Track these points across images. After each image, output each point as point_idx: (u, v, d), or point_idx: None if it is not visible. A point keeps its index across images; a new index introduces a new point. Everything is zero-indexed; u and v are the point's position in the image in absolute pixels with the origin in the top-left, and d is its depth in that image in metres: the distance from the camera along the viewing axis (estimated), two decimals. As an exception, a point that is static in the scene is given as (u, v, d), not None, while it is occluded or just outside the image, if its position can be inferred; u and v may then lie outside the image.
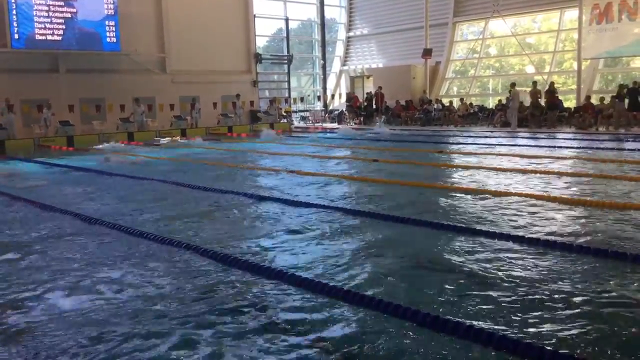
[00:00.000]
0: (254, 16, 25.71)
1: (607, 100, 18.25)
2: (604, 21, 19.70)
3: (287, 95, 27.79)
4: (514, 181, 8.74)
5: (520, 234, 5.48)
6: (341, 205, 7.21)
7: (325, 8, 29.55)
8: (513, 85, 19.59)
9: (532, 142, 15.02)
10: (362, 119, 24.87)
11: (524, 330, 3.42)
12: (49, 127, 18.79)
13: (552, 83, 19.91)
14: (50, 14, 19.42)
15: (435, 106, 23.17)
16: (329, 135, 20.49)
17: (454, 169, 10.60)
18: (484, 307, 3.81)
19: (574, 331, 3.41)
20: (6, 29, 18.54)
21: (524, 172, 9.61)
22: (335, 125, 25.07)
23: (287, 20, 27.91)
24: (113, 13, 20.64)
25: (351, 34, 30.21)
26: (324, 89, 29.76)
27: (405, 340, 3.35)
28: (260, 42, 27.21)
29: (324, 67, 29.83)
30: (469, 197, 7.61)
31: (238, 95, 23.53)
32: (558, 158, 11.41)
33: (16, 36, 18.74)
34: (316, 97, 29.50)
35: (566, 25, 22.67)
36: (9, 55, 18.86)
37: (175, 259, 5.05)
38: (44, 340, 3.47)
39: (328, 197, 7.91)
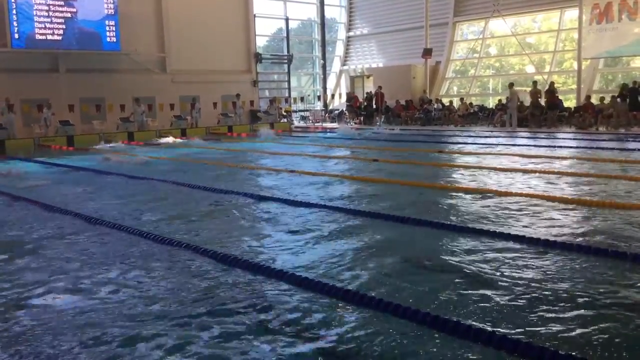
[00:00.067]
0: (254, 16, 25.71)
1: (607, 100, 18.25)
2: (604, 21, 19.69)
3: (287, 95, 27.79)
4: (514, 181, 8.74)
5: (521, 233, 5.48)
6: (341, 205, 7.21)
7: (325, 8, 29.55)
8: (511, 85, 19.60)
9: (532, 142, 15.01)
10: (362, 119, 24.88)
11: (524, 330, 3.42)
12: (49, 127, 18.79)
13: (552, 83, 19.91)
14: (50, 13, 19.42)
15: (436, 106, 23.17)
16: (329, 135, 20.49)
17: (454, 169, 10.60)
18: (484, 307, 3.81)
19: (574, 331, 3.41)
20: (6, 28, 18.53)
21: (524, 171, 9.61)
22: (335, 125, 25.07)
23: (287, 20, 27.91)
24: (113, 13, 20.64)
25: (351, 33, 30.21)
26: (324, 88, 29.76)
27: (405, 340, 3.35)
28: (260, 42, 27.22)
29: (324, 66, 29.82)
30: (469, 197, 7.61)
31: (238, 95, 23.53)
32: (558, 158, 11.41)
33: (16, 36, 18.74)
34: (316, 96, 29.50)
35: (566, 25, 22.67)
36: (9, 55, 18.86)
37: (175, 259, 5.05)
38: (43, 340, 3.47)
39: (328, 197, 7.91)
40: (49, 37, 19.44)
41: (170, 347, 3.32)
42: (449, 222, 6.07)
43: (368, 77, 27.65)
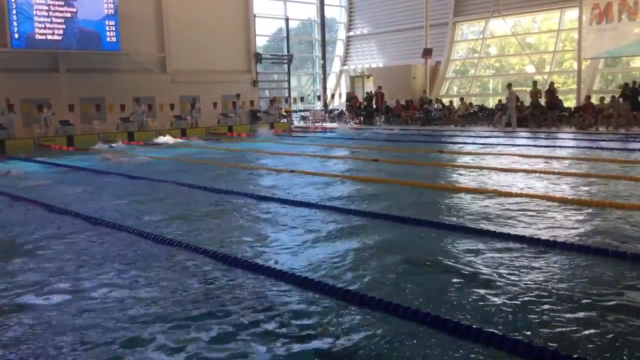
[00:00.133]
0: (254, 16, 25.71)
1: (607, 100, 18.25)
2: (604, 21, 19.69)
3: (287, 95, 27.79)
4: (514, 181, 8.73)
5: (521, 233, 5.48)
6: (341, 205, 7.21)
7: (325, 8, 29.55)
8: (509, 85, 19.61)
9: (532, 142, 15.01)
10: (362, 119, 24.88)
11: (524, 330, 3.42)
12: (49, 127, 18.78)
13: (552, 83, 19.92)
14: (50, 13, 19.42)
15: (436, 106, 23.17)
16: (329, 135, 20.49)
17: (454, 169, 10.59)
18: (484, 307, 3.81)
19: (574, 331, 3.41)
20: (6, 28, 18.53)
21: (524, 172, 9.61)
22: (335, 125, 25.06)
23: (287, 19, 27.91)
24: (113, 13, 20.63)
25: (351, 33, 30.21)
26: (324, 88, 29.75)
27: (405, 340, 3.35)
28: (260, 42, 27.21)
29: (324, 66, 29.83)
30: (469, 197, 7.61)
31: (238, 95, 23.53)
32: (558, 158, 11.41)
33: (16, 35, 18.73)
34: (316, 96, 29.50)
35: (566, 25, 22.67)
36: (9, 55, 18.85)
37: (175, 259, 5.05)
38: (43, 340, 3.46)
39: (328, 197, 7.90)
40: (49, 37, 19.44)
41: (170, 348, 3.32)
42: (449, 222, 6.07)
43: (368, 77, 27.66)
